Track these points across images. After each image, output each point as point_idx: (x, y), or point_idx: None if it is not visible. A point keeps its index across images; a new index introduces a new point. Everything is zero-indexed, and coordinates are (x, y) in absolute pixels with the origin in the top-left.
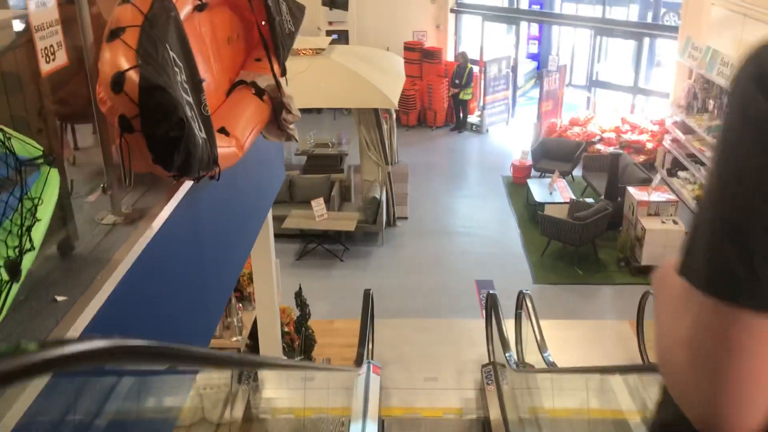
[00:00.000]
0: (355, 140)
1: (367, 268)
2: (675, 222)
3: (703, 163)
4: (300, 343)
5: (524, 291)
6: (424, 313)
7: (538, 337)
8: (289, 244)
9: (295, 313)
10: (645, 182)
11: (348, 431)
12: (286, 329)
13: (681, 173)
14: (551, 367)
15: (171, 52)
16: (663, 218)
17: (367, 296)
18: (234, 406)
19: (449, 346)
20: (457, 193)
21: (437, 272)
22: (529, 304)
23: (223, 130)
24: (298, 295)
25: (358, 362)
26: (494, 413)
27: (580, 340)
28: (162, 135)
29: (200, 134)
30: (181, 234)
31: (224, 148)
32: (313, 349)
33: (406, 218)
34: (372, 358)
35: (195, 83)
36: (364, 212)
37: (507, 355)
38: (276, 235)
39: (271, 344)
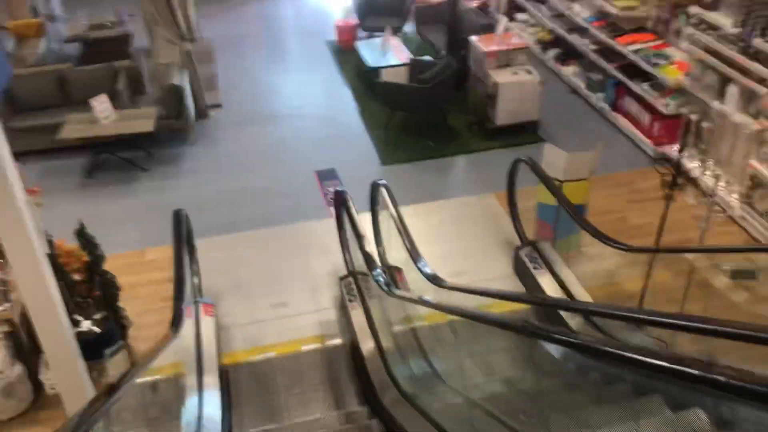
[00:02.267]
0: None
1: (179, 175)
2: (529, 72)
3: (542, 1)
4: (99, 294)
5: (378, 182)
6: (259, 221)
7: (408, 245)
8: (74, 160)
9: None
10: (487, 29)
11: (183, 402)
12: (77, 277)
13: (519, 15)
14: (430, 297)
15: None
16: (515, 69)
17: (178, 220)
18: None
19: (296, 259)
20: (277, 67)
21: (268, 168)
22: (388, 199)
23: None
24: (81, 234)
25: (176, 323)
26: (364, 340)
27: (445, 223)
28: None
29: None
30: None
31: None
32: (118, 297)
33: (219, 106)
34: (201, 295)
35: None
36: (164, 105)
37: (374, 273)
38: (53, 151)
39: (44, 308)
